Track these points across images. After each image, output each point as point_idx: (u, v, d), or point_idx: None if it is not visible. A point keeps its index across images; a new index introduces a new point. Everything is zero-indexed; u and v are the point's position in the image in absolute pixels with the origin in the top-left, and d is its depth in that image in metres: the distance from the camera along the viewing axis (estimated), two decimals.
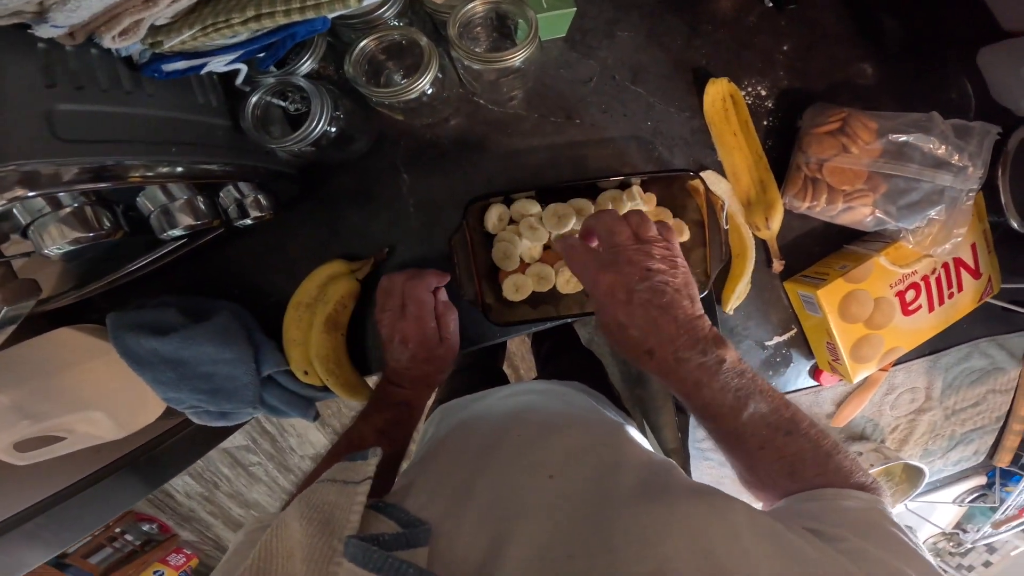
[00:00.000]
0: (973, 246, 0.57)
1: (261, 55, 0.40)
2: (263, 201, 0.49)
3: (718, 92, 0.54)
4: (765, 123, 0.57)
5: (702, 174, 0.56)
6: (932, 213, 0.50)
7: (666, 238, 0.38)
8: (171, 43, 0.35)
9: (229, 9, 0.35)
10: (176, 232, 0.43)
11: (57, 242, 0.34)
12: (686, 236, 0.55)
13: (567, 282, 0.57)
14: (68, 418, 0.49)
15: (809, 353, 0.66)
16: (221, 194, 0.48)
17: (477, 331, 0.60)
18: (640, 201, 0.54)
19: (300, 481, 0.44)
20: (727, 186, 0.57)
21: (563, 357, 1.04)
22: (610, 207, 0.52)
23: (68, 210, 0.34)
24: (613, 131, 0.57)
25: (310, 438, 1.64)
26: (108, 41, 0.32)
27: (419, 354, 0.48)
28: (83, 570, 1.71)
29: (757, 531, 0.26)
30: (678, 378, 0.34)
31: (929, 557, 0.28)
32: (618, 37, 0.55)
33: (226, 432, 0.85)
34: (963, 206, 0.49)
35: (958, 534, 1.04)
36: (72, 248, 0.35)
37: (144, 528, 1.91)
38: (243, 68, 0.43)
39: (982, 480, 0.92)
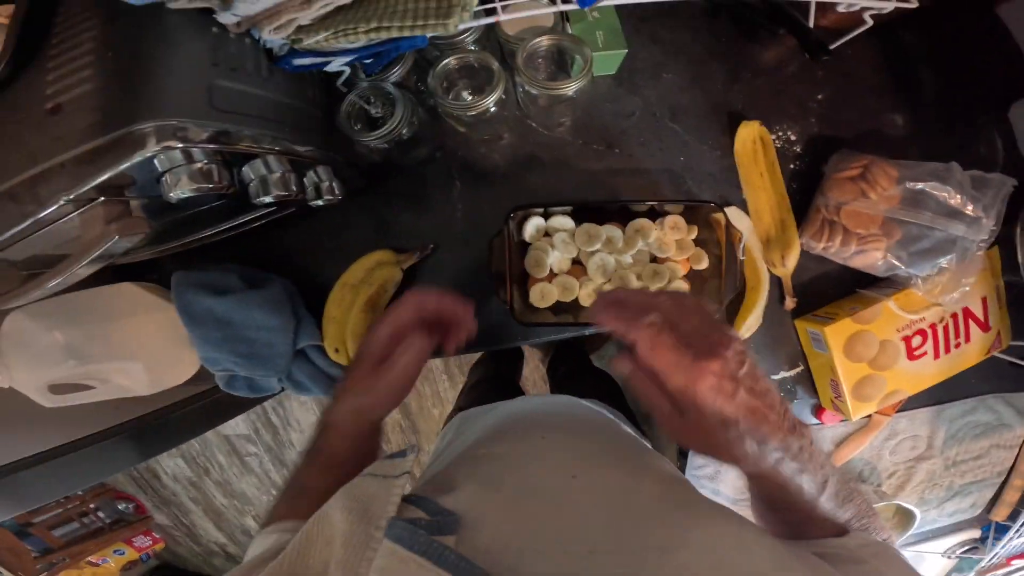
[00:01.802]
0: (984, 300, 0.59)
1: (369, 60, 0.47)
2: (336, 187, 0.54)
3: (749, 134, 0.58)
4: (792, 167, 0.61)
5: (726, 209, 0.61)
6: (943, 262, 0.52)
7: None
8: (308, 41, 0.42)
9: (357, 19, 0.41)
10: (267, 199, 0.48)
11: (184, 188, 0.40)
12: (704, 264, 0.59)
13: (588, 296, 0.61)
14: (109, 365, 0.52)
15: (813, 392, 0.68)
16: (306, 176, 0.54)
17: (502, 332, 0.64)
18: (674, 230, 0.58)
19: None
20: (748, 223, 0.61)
21: (580, 379, 1.05)
22: (642, 232, 0.57)
23: (198, 165, 0.40)
24: (648, 163, 0.61)
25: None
26: (265, 33, 0.39)
27: (353, 365, 0.43)
28: (44, 541, 1.66)
29: (771, 547, 0.26)
30: (776, 472, 0.31)
31: None
32: (663, 79, 0.60)
33: (229, 412, 0.89)
34: (974, 257, 0.52)
35: None
36: (192, 195, 0.40)
37: (120, 507, 1.85)
38: (347, 71, 0.50)
39: (976, 534, 0.92)
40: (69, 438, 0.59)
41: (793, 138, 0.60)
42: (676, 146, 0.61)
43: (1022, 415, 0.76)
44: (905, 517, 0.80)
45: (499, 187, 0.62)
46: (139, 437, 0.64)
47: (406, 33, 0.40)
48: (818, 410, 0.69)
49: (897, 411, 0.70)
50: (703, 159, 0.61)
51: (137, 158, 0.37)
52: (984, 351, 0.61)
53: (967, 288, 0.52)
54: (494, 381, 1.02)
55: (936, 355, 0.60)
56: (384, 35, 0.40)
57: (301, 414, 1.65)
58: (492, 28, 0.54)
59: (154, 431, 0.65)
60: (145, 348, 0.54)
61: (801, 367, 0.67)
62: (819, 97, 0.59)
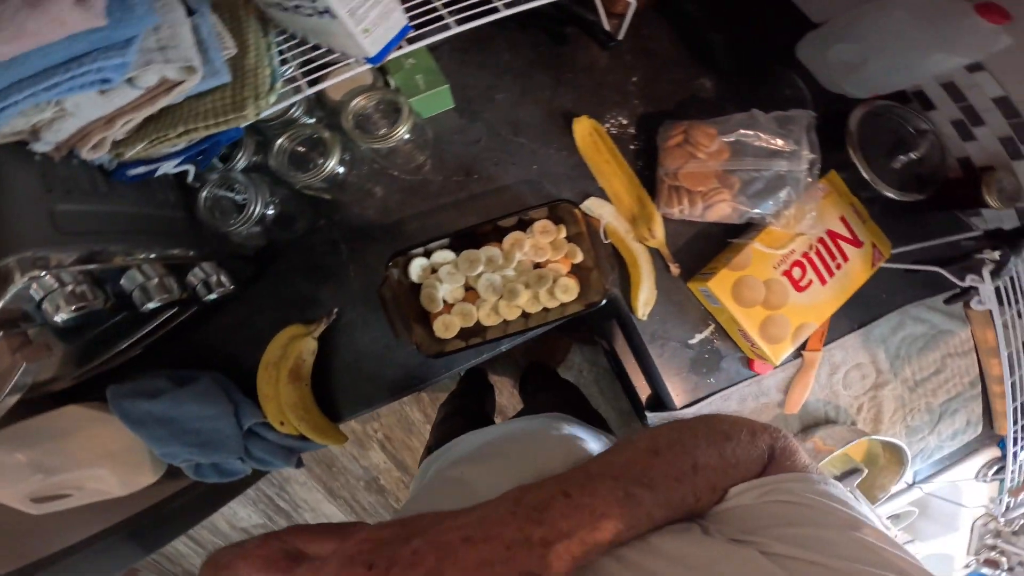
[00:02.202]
0: (843, 219, 0.61)
1: (199, 158, 0.52)
2: (224, 279, 0.58)
3: (583, 129, 0.63)
4: (632, 147, 0.65)
5: (587, 200, 0.64)
6: (782, 196, 0.55)
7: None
8: (129, 153, 0.46)
9: (167, 126, 0.46)
10: (152, 304, 0.51)
11: (64, 311, 0.42)
12: (580, 257, 0.62)
13: (488, 315, 0.64)
14: (77, 473, 0.57)
15: (735, 346, 0.69)
16: (189, 274, 0.58)
17: (425, 370, 0.67)
18: (544, 233, 0.61)
19: None
20: (611, 208, 0.64)
21: (548, 392, 1.10)
22: (517, 244, 0.61)
23: (70, 287, 0.43)
24: (506, 179, 0.66)
25: (324, 511, 1.67)
26: (84, 153, 0.43)
27: None
28: None
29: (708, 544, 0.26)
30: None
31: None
32: (497, 100, 0.66)
33: (224, 498, 0.91)
34: (808, 185, 0.55)
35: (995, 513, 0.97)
36: (76, 315, 0.43)
37: None
38: (191, 168, 0.55)
39: (995, 451, 0.88)
40: (68, 542, 0.63)
41: (625, 122, 0.65)
42: (526, 157, 0.66)
43: (954, 317, 0.76)
44: (895, 453, 0.78)
45: (381, 240, 0.66)
46: (139, 533, 0.68)
47: (212, 130, 0.45)
48: (749, 363, 0.69)
49: (824, 343, 0.70)
50: (554, 162, 0.65)
51: (10, 292, 0.41)
52: (868, 264, 0.63)
53: (814, 213, 0.54)
54: (459, 414, 1.03)
55: (822, 280, 0.62)
56: (196, 135, 0.45)
57: (306, 494, 1.64)
58: (323, 97, 0.60)
59: (153, 525, 0.68)
60: (105, 455, 0.59)
61: (712, 326, 0.68)
62: (634, 80, 0.65)
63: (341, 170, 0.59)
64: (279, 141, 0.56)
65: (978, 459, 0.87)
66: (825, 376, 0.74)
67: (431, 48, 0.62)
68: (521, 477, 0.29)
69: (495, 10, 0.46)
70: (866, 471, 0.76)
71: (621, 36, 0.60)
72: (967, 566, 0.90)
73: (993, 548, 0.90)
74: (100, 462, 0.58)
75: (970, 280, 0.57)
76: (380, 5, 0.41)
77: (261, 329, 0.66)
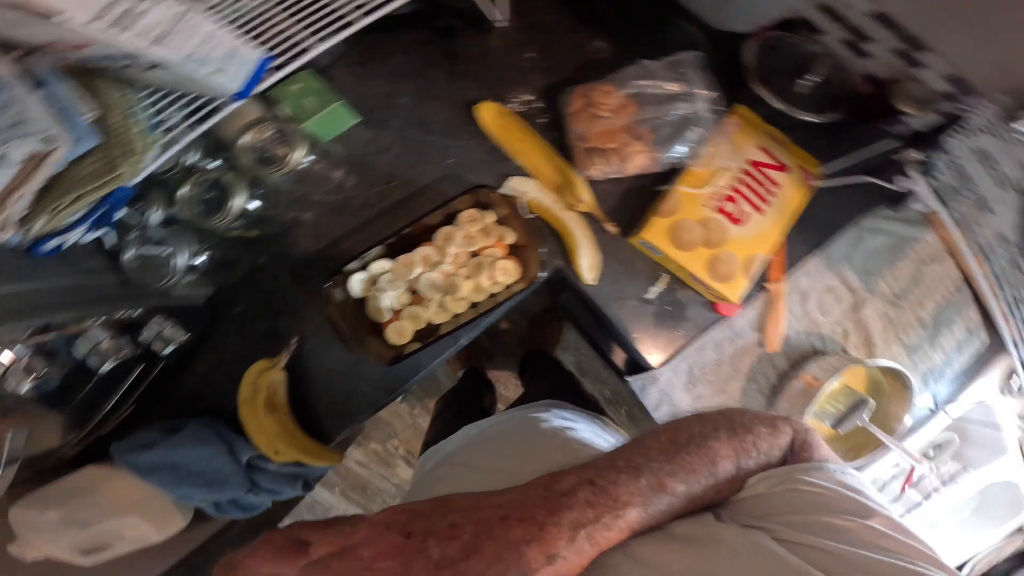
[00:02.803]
0: (763, 149, 0.61)
1: (101, 222, 0.52)
2: (175, 331, 0.59)
3: (487, 114, 0.63)
4: (542, 120, 0.65)
5: (509, 181, 0.64)
6: (691, 136, 0.55)
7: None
8: (36, 228, 0.47)
9: (59, 196, 0.46)
10: (109, 366, 0.53)
11: (24, 383, 0.45)
12: (513, 238, 0.62)
13: (436, 313, 0.63)
14: (110, 523, 0.60)
15: (694, 293, 0.67)
16: (144, 331, 0.58)
17: (394, 379, 0.67)
18: (472, 222, 0.61)
19: None
20: (534, 183, 0.64)
21: (543, 378, 1.15)
22: (448, 238, 0.61)
23: (24, 361, 0.46)
24: (426, 179, 0.66)
25: None
26: None
27: None
28: None
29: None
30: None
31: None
32: (399, 104, 0.67)
33: (268, 525, 0.92)
34: (713, 121, 0.54)
35: None
36: (35, 385, 0.46)
37: None
38: (107, 232, 0.55)
39: (1012, 359, 0.84)
40: None
41: (529, 97, 0.65)
42: (441, 153, 0.66)
43: (913, 223, 0.74)
44: (897, 378, 0.73)
45: (322, 263, 0.66)
46: (195, 572, 0.70)
47: (99, 193, 0.45)
48: (713, 306, 0.67)
49: (785, 272, 0.68)
50: (469, 152, 0.65)
51: None
52: (802, 185, 0.61)
53: (730, 145, 0.54)
54: (451, 409, 1.05)
55: (758, 210, 0.60)
56: (88, 200, 0.46)
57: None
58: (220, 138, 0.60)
59: (205, 563, 0.71)
60: (132, 504, 0.61)
61: (666, 276, 0.66)
62: (529, 56, 0.65)
63: (254, 206, 0.59)
64: (180, 191, 0.56)
65: (995, 370, 0.83)
66: (798, 306, 0.72)
67: (322, 69, 0.63)
68: (514, 474, 0.30)
69: (349, 24, 0.47)
70: (872, 402, 0.72)
71: (502, 18, 0.60)
72: None
73: None
74: (129, 511, 0.61)
75: (899, 183, 0.55)
76: (222, 46, 0.42)
77: (235, 370, 0.65)
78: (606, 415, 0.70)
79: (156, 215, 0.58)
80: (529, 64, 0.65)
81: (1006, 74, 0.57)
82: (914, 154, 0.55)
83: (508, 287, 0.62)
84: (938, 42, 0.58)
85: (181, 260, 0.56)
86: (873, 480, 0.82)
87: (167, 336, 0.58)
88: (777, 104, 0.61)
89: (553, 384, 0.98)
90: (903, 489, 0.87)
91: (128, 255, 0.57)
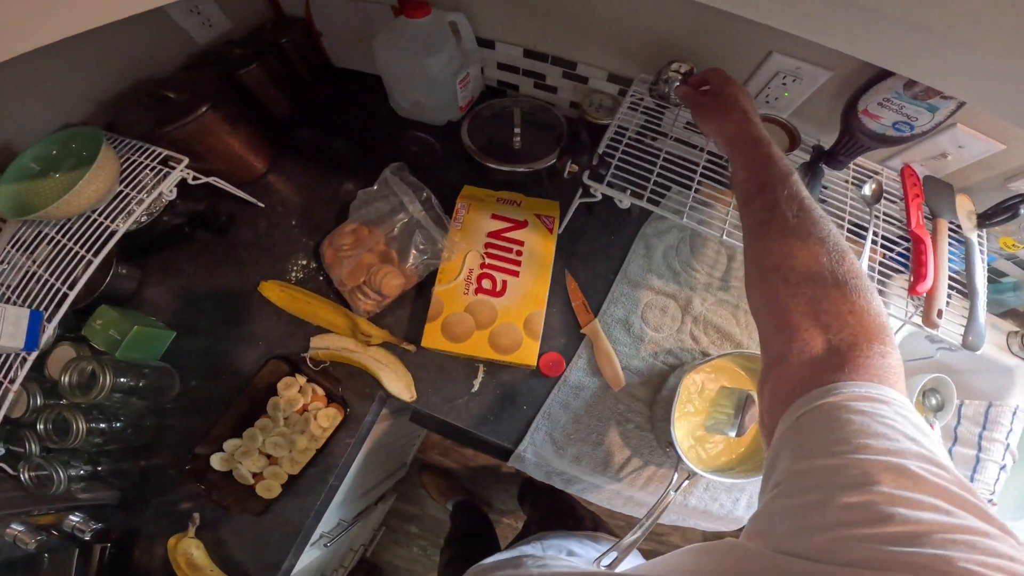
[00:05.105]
0: (498, 216, 0.68)
1: None
2: (86, 525, 0.66)
3: (270, 292, 0.72)
4: (321, 278, 0.73)
5: (312, 341, 0.70)
6: (419, 240, 0.62)
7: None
8: None
9: None
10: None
11: None
12: (324, 390, 0.67)
13: (290, 465, 0.69)
14: None
15: (513, 368, 0.70)
16: (63, 525, 0.66)
17: (293, 523, 0.69)
18: (287, 389, 0.69)
19: None
20: (332, 335, 0.70)
21: (533, 508, 1.25)
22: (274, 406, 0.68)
23: None
24: (245, 366, 0.73)
25: None
26: None
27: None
28: None
29: None
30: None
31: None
32: (202, 308, 0.76)
33: None
34: (435, 217, 0.62)
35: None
36: None
37: None
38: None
39: None
40: None
41: (304, 261, 0.75)
42: (249, 339, 0.74)
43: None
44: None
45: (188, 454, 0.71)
46: None
47: None
48: (539, 371, 0.70)
49: (591, 312, 0.72)
50: (272, 329, 0.73)
51: None
52: (546, 231, 0.68)
53: (464, 229, 0.64)
54: (460, 560, 1.04)
55: (513, 273, 0.67)
56: None
57: None
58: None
59: None
60: None
61: (479, 365, 0.70)
62: (294, 223, 0.76)
63: (102, 427, 0.67)
64: (38, 426, 0.64)
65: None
66: (622, 334, 0.73)
67: (129, 297, 0.74)
68: None
69: (89, 263, 0.57)
70: (751, 392, 0.70)
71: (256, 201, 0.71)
72: None
73: None
74: None
75: (595, 191, 0.60)
76: None
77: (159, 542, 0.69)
78: (600, 529, 0.77)
79: (35, 446, 0.66)
80: (297, 230, 0.75)
81: (632, 57, 0.67)
82: (571, 165, 0.61)
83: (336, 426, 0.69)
84: (580, 56, 0.67)
85: (61, 475, 0.64)
86: None
87: (80, 527, 0.67)
88: (503, 167, 0.68)
89: (544, 512, 1.01)
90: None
91: (24, 475, 0.64)
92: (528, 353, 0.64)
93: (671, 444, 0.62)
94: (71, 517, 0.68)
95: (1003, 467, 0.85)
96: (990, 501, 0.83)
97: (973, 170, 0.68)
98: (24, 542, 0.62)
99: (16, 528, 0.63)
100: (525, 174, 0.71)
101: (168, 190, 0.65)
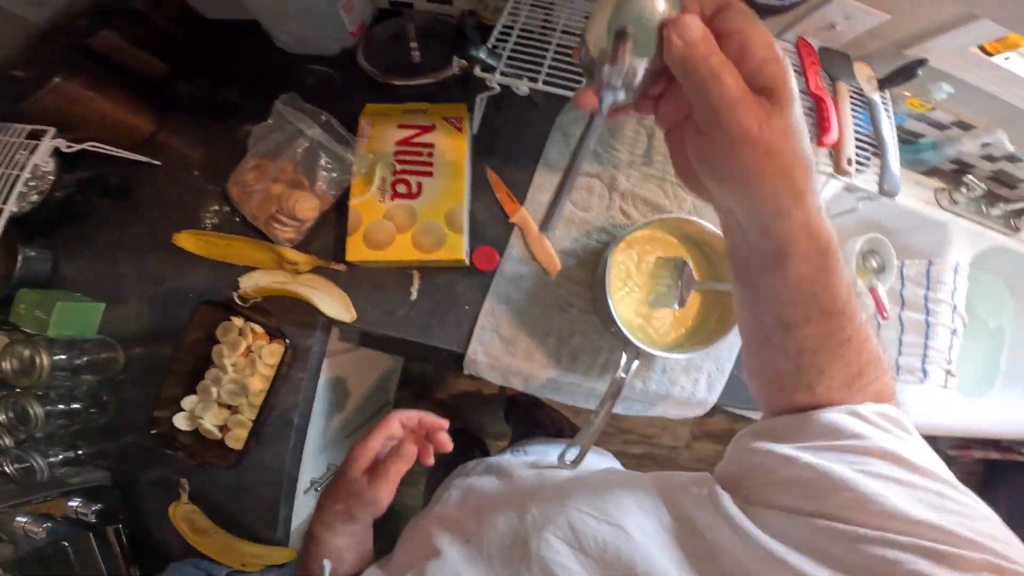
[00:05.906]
0: (404, 125, 0.67)
1: None
2: (87, 508, 0.68)
3: (185, 242, 0.70)
4: (236, 219, 0.72)
5: (241, 280, 0.69)
6: (324, 161, 0.61)
7: None
8: None
9: None
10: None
11: None
12: (262, 327, 0.67)
13: (249, 411, 0.70)
14: None
15: (450, 270, 0.71)
16: (65, 511, 0.69)
17: (278, 472, 0.73)
18: (226, 334, 0.70)
19: None
20: (259, 272, 0.69)
21: (517, 421, 1.34)
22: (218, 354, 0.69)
23: None
24: (182, 319, 0.71)
25: None
26: None
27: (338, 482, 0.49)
28: None
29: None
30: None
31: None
32: (125, 274, 0.74)
33: None
34: (340, 137, 0.63)
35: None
36: None
37: None
38: None
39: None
40: None
41: (217, 206, 0.72)
42: (180, 294, 0.72)
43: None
44: (698, 224, 0.72)
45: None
46: None
47: None
48: (474, 268, 0.71)
49: (517, 201, 0.72)
50: (198, 279, 0.72)
51: None
52: (456, 132, 0.68)
53: (371, 142, 0.65)
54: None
55: (427, 174, 0.66)
56: None
57: None
58: None
59: None
60: None
61: (415, 272, 0.71)
62: (196, 172, 0.73)
63: (59, 409, 0.67)
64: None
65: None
66: (572, 236, 0.74)
67: (49, 278, 0.73)
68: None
69: None
70: (687, 260, 0.70)
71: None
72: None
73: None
74: None
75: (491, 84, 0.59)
76: None
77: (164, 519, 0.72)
78: (564, 435, 0.84)
79: (7, 439, 0.66)
80: (201, 179, 0.73)
81: None
82: (460, 62, 0.60)
83: (283, 360, 0.69)
84: None
85: (41, 463, 0.65)
86: None
87: (81, 510, 0.69)
88: (407, 83, 0.67)
89: (528, 424, 1.09)
90: (882, 314, 0.86)
91: (7, 468, 0.65)
92: (455, 247, 0.64)
93: (614, 322, 0.62)
94: (71, 503, 0.69)
95: (954, 331, 0.86)
96: (948, 372, 0.85)
97: (865, 40, 0.69)
98: (33, 531, 0.65)
99: (22, 519, 0.66)
100: (431, 85, 0.70)
101: (42, 160, 0.62)
